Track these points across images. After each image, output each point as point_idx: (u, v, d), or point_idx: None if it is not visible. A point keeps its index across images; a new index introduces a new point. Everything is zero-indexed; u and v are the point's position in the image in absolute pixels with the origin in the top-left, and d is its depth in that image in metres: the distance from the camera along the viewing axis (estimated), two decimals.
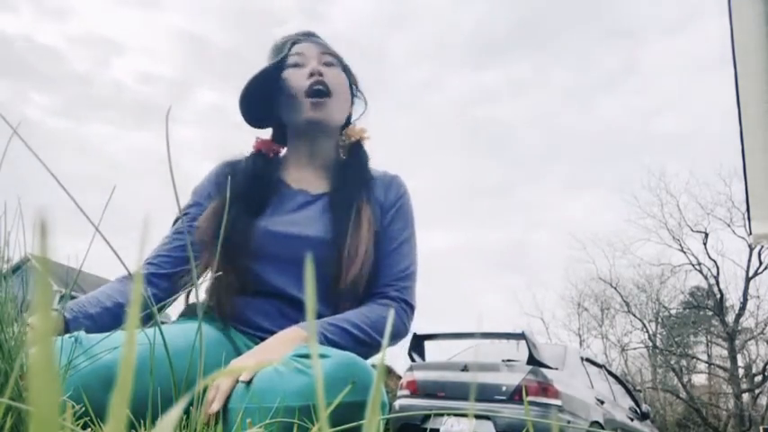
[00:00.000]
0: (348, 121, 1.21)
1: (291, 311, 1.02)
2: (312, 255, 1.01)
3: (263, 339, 1.00)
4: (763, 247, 14.50)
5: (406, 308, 1.07)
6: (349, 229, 1.04)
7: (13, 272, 0.62)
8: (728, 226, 16.81)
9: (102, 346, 0.76)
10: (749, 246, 16.04)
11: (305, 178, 1.15)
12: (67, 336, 0.77)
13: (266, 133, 1.25)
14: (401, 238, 1.12)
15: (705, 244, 17.14)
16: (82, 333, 0.80)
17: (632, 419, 5.62)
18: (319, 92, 1.10)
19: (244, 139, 1.23)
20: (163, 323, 0.97)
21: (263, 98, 1.15)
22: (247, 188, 1.08)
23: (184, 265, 1.07)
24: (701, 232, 17.21)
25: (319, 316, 1.02)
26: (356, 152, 1.18)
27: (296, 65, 1.13)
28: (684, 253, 17.71)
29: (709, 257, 17.12)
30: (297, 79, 1.11)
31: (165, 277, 1.06)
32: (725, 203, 16.88)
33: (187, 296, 1.06)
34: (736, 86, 3.92)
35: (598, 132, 28.47)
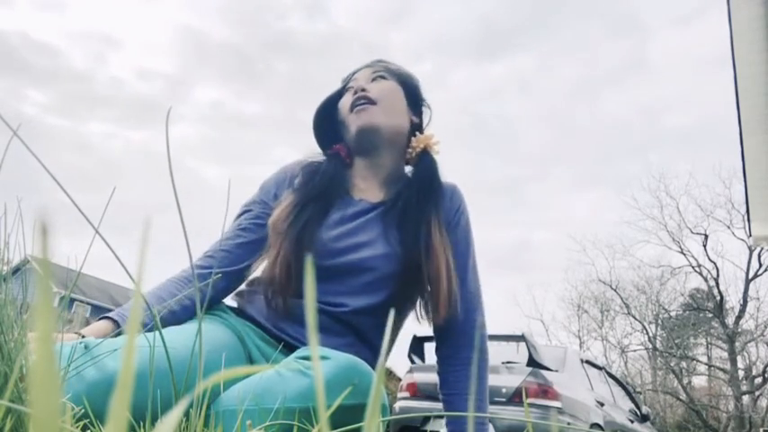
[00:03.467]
0: (414, 133, 1.21)
1: (328, 321, 1.02)
2: (368, 266, 1.03)
3: (278, 340, 1.00)
4: (762, 248, 14.50)
5: (486, 333, 1.16)
6: (421, 241, 1.05)
7: (13, 273, 0.62)
8: (728, 228, 16.84)
9: (108, 352, 0.76)
10: (749, 247, 16.05)
11: (368, 189, 1.16)
12: (76, 341, 0.77)
13: None
14: (467, 256, 1.16)
15: (705, 246, 17.15)
16: (90, 338, 0.80)
17: (632, 421, 5.61)
18: (360, 101, 1.11)
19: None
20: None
21: (329, 128, 1.20)
22: (320, 192, 1.10)
23: (244, 263, 1.09)
24: (700, 234, 17.24)
25: (353, 326, 1.03)
26: (423, 160, 1.17)
27: (350, 89, 1.16)
28: (684, 255, 17.74)
29: (709, 259, 17.15)
30: (345, 101, 1.15)
31: (224, 275, 1.07)
32: (725, 205, 16.93)
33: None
34: (735, 88, 3.92)
35: (604, 129, 28.34)
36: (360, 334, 1.04)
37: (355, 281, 1.03)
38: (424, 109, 1.23)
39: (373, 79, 1.16)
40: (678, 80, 27.42)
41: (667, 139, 26.87)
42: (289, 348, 1.00)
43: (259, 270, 1.09)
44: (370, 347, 1.05)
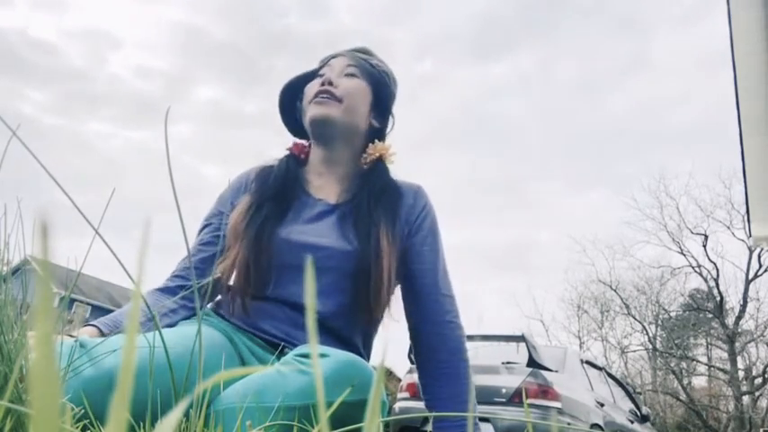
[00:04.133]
0: (373, 138, 1.21)
1: (301, 319, 1.03)
2: (330, 264, 1.03)
3: (267, 342, 1.01)
4: (762, 249, 14.50)
5: (464, 334, 1.13)
6: (372, 242, 1.05)
7: (13, 274, 0.62)
8: (728, 228, 16.84)
9: (104, 350, 0.76)
10: (749, 248, 16.05)
11: (324, 187, 1.16)
12: (71, 339, 0.77)
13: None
14: (437, 258, 1.15)
15: (705, 246, 17.15)
16: (85, 337, 0.80)
17: (632, 422, 5.61)
18: (323, 94, 1.11)
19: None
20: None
21: (293, 108, 1.20)
22: (276, 192, 1.10)
23: (209, 278, 1.08)
24: (700, 234, 17.24)
25: (331, 328, 1.04)
26: (377, 167, 1.17)
27: (321, 76, 1.15)
28: (684, 255, 17.74)
29: (709, 260, 17.14)
30: (311, 87, 1.14)
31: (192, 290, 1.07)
32: (724, 206, 16.92)
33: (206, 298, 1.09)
34: (735, 88, 3.93)
35: (605, 128, 28.29)
36: (333, 332, 1.04)
37: (318, 281, 1.03)
38: (390, 116, 1.23)
39: (346, 74, 1.15)
40: (679, 79, 27.38)
41: (668, 139, 26.88)
42: (273, 346, 1.00)
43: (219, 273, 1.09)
44: (347, 347, 1.05)
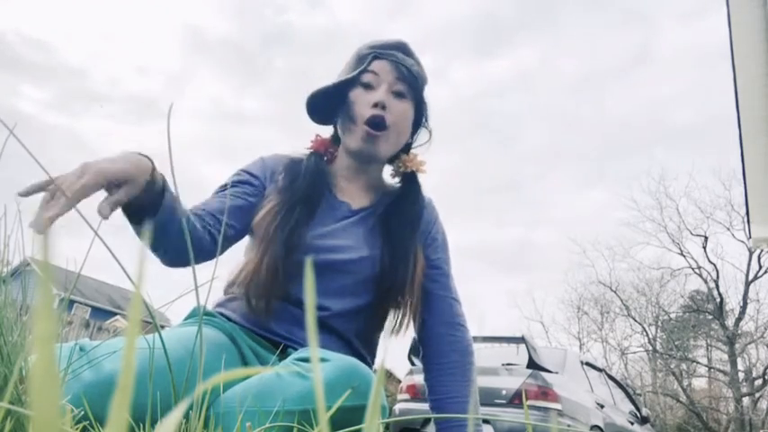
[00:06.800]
0: (407, 149, 1.21)
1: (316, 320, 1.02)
2: (350, 268, 1.04)
3: (271, 342, 1.00)
4: (762, 250, 14.50)
5: (471, 337, 1.17)
6: (400, 254, 1.08)
7: (12, 275, 0.62)
8: (728, 230, 16.84)
9: (104, 353, 0.76)
10: (749, 249, 16.05)
11: (350, 191, 1.17)
12: (71, 342, 0.77)
13: (327, 130, 1.24)
14: (448, 265, 1.20)
15: (705, 247, 17.15)
16: (85, 340, 0.80)
17: (632, 423, 5.61)
18: (377, 125, 1.08)
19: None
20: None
21: (329, 104, 1.15)
22: (306, 193, 1.10)
23: (242, 223, 1.07)
24: (700, 236, 17.23)
25: (334, 329, 1.04)
26: (411, 180, 1.19)
27: (367, 85, 1.12)
28: (684, 257, 17.73)
29: (709, 261, 17.14)
30: (361, 104, 1.10)
31: (233, 218, 1.06)
32: (724, 207, 16.93)
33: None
34: (735, 89, 3.93)
35: (606, 126, 28.21)
36: (340, 335, 1.05)
37: (334, 282, 1.04)
38: (422, 129, 1.22)
39: (394, 91, 1.12)
40: (680, 78, 27.37)
41: (668, 139, 26.85)
42: (276, 347, 1.00)
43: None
44: (351, 351, 1.06)
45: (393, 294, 1.06)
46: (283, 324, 1.02)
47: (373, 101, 1.08)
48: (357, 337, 1.07)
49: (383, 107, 1.08)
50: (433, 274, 1.15)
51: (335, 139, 1.21)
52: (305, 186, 1.10)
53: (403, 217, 1.12)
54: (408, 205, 1.15)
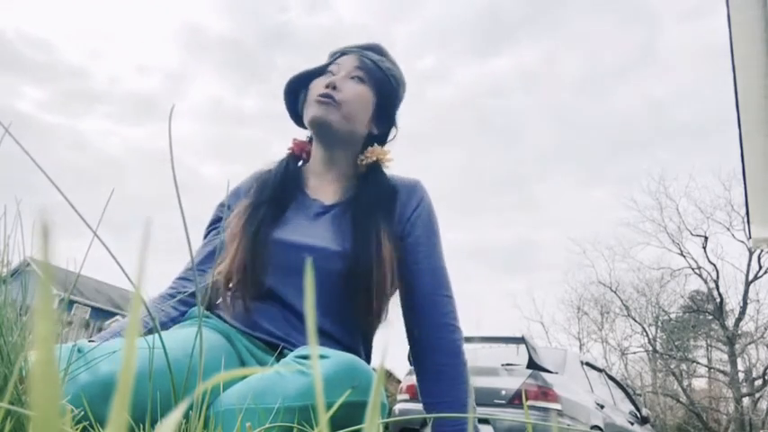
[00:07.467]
0: (374, 142, 1.21)
1: (296, 321, 1.03)
2: (321, 266, 1.02)
3: (266, 343, 1.00)
4: (762, 250, 14.50)
5: (462, 335, 1.12)
6: (369, 243, 1.05)
7: (12, 275, 0.62)
8: (728, 230, 16.85)
9: (103, 355, 0.76)
10: (749, 249, 16.06)
11: (320, 187, 1.17)
12: (69, 344, 0.77)
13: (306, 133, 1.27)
14: (437, 257, 1.14)
15: (705, 248, 17.16)
16: (83, 341, 0.80)
17: (632, 424, 5.61)
18: (325, 96, 1.10)
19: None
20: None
21: (298, 100, 1.20)
22: (274, 193, 1.11)
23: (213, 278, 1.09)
24: (700, 236, 17.24)
25: (323, 330, 1.04)
26: (373, 171, 1.18)
27: (329, 74, 1.15)
28: (684, 257, 17.74)
29: (709, 261, 17.14)
30: (316, 86, 1.14)
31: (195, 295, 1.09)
32: (724, 207, 16.93)
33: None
34: (735, 89, 3.93)
35: (606, 128, 28.15)
36: (326, 334, 1.04)
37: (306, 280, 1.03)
38: (393, 125, 1.23)
39: (352, 77, 1.15)
40: (681, 78, 27.35)
41: (668, 139, 26.84)
42: (272, 347, 1.00)
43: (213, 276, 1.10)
44: (342, 347, 1.05)
45: (363, 284, 1.03)
46: (274, 324, 1.02)
47: (326, 82, 1.12)
48: (342, 334, 1.06)
49: (333, 86, 1.11)
50: (415, 269, 1.11)
51: (311, 139, 1.23)
52: (273, 185, 1.12)
53: (363, 206, 1.10)
54: (367, 195, 1.12)
